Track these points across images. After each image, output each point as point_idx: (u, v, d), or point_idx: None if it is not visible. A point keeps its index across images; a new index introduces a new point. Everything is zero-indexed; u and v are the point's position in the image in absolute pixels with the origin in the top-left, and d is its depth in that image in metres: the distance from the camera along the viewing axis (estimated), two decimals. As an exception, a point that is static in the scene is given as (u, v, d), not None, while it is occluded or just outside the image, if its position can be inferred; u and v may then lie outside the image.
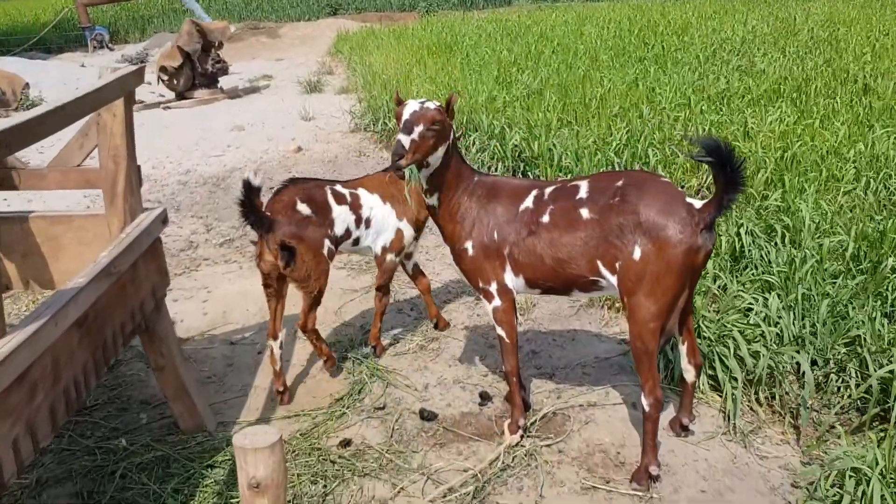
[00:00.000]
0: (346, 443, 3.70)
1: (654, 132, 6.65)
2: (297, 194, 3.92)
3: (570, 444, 3.59)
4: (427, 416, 3.87)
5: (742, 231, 4.93)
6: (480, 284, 3.50)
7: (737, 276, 4.66)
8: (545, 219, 3.24)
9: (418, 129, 3.16)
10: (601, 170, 6.10)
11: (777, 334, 3.96)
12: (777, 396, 3.78)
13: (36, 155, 9.16)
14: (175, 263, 6.16)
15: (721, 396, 3.83)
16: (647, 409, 3.19)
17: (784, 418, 3.70)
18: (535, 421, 3.77)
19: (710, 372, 3.89)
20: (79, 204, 7.47)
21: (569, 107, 7.85)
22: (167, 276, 3.79)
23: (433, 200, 3.48)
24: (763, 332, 3.91)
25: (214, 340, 4.90)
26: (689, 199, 3.00)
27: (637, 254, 2.98)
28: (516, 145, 6.96)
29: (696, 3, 20.17)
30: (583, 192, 3.20)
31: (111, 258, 3.14)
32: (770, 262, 4.61)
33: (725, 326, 3.94)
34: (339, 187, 4.15)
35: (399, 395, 4.12)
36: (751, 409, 3.78)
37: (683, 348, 3.42)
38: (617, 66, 10.01)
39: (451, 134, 3.36)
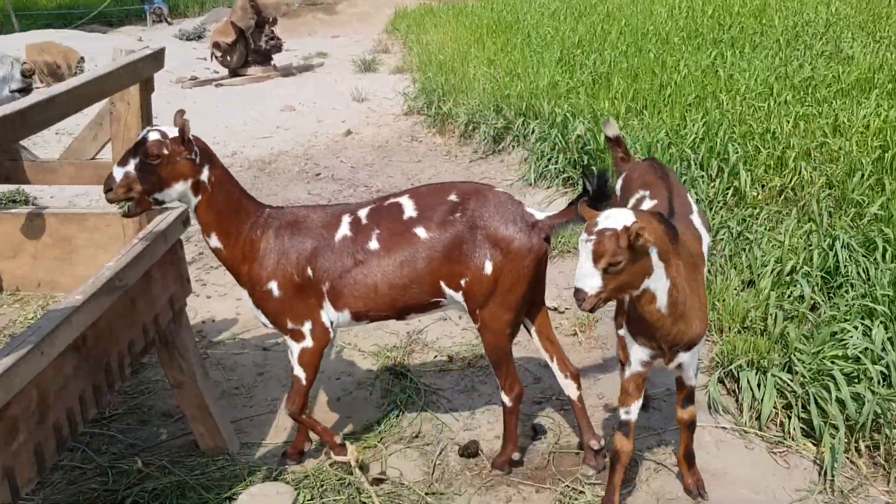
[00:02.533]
0: (380, 478, 3.28)
1: (735, 125, 6.02)
2: None
3: (636, 497, 3.10)
4: (470, 452, 3.42)
5: (837, 244, 4.34)
6: (290, 325, 3.10)
7: (831, 297, 4.09)
8: (373, 245, 3.00)
9: (133, 161, 2.77)
10: (675, 166, 5.52)
11: (882, 373, 3.39)
12: (880, 446, 3.23)
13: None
14: (212, 255, 5.82)
15: (815, 445, 3.28)
16: (508, 404, 3.19)
17: (889, 474, 3.15)
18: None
19: (802, 415, 3.35)
20: (98, 200, 7.05)
21: (639, 94, 7.24)
22: (188, 284, 3.40)
23: (213, 242, 3.03)
24: (867, 369, 3.35)
25: (246, 346, 4.53)
26: (527, 208, 3.02)
27: (488, 268, 2.93)
28: (580, 136, 6.41)
29: (773, -19, 19.03)
30: (410, 211, 3.01)
31: (116, 270, 2.75)
32: (870, 280, 4.02)
33: (823, 363, 3.39)
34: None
35: (441, 422, 3.68)
36: (850, 461, 3.23)
37: (554, 365, 3.27)
38: (691, 49, 9.31)
39: (203, 169, 2.91)
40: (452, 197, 3.01)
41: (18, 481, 2.23)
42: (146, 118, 3.06)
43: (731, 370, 3.70)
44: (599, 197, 2.78)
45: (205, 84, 13.15)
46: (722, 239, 4.81)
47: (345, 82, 12.30)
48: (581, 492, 3.14)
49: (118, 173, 2.76)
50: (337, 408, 3.89)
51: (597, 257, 2.30)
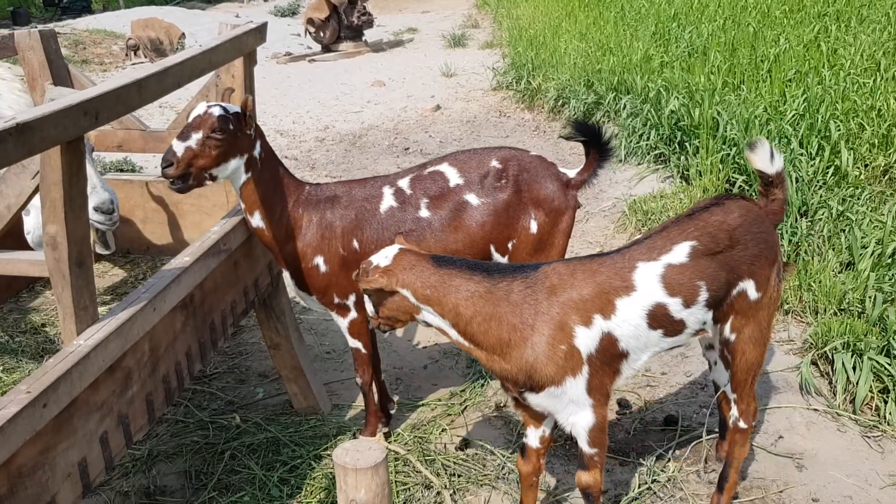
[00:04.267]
0: (464, 444, 3.37)
1: (838, 102, 5.79)
2: None
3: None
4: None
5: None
6: (336, 300, 3.14)
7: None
8: (424, 214, 3.07)
9: (196, 135, 2.71)
10: (773, 143, 5.36)
11: None
12: None
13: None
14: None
15: (914, 431, 3.19)
16: None
17: None
18: (679, 440, 3.28)
19: (901, 400, 3.25)
20: None
21: (736, 69, 7.03)
22: (285, 250, 3.54)
23: (257, 221, 2.97)
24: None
25: (337, 312, 4.68)
26: (559, 168, 3.17)
27: (534, 227, 3.10)
28: (674, 111, 6.28)
29: (886, -50, 18.00)
30: (455, 178, 3.10)
31: (221, 234, 2.91)
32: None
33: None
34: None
35: (526, 393, 3.73)
36: (951, 449, 3.12)
37: None
38: (793, 22, 8.94)
39: (256, 145, 2.88)
40: (495, 163, 3.12)
41: (132, 428, 2.41)
42: (249, 90, 3.18)
43: (825, 352, 3.61)
44: (597, 141, 3.12)
45: (298, 59, 13.46)
46: (820, 219, 4.66)
47: (434, 57, 12.36)
48: (664, 470, 3.14)
49: (179, 147, 2.70)
50: (423, 375, 3.99)
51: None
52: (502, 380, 2.50)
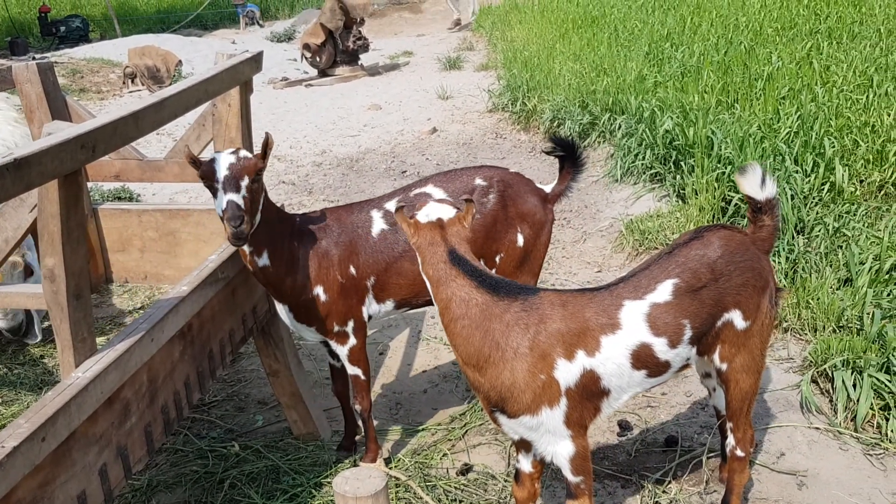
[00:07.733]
0: (466, 469, 3.35)
1: (831, 118, 5.82)
2: None
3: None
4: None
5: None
6: (335, 328, 3.13)
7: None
8: None
9: (244, 183, 2.63)
10: (768, 161, 5.39)
11: None
12: None
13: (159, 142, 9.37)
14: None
15: (916, 448, 3.18)
16: None
17: None
18: (680, 461, 3.27)
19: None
20: (198, 197, 7.09)
21: (729, 87, 7.07)
22: (283, 277, 3.55)
23: (265, 260, 2.88)
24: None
25: (336, 338, 4.67)
26: (536, 184, 3.34)
27: (520, 241, 3.24)
28: (668, 131, 6.31)
29: (875, -33, 18.17)
30: (442, 197, 3.11)
31: (219, 262, 2.91)
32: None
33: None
34: None
35: (527, 416, 3.72)
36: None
37: None
38: (784, 40, 9.02)
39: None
40: (479, 181, 3.21)
41: (131, 460, 2.40)
42: (245, 118, 3.20)
43: (824, 369, 3.61)
44: (572, 155, 3.32)
45: (295, 84, 13.53)
46: (817, 236, 4.67)
47: (430, 80, 12.44)
48: (666, 491, 3.12)
49: (239, 199, 2.59)
50: (422, 400, 3.98)
51: None
52: (475, 391, 2.48)
